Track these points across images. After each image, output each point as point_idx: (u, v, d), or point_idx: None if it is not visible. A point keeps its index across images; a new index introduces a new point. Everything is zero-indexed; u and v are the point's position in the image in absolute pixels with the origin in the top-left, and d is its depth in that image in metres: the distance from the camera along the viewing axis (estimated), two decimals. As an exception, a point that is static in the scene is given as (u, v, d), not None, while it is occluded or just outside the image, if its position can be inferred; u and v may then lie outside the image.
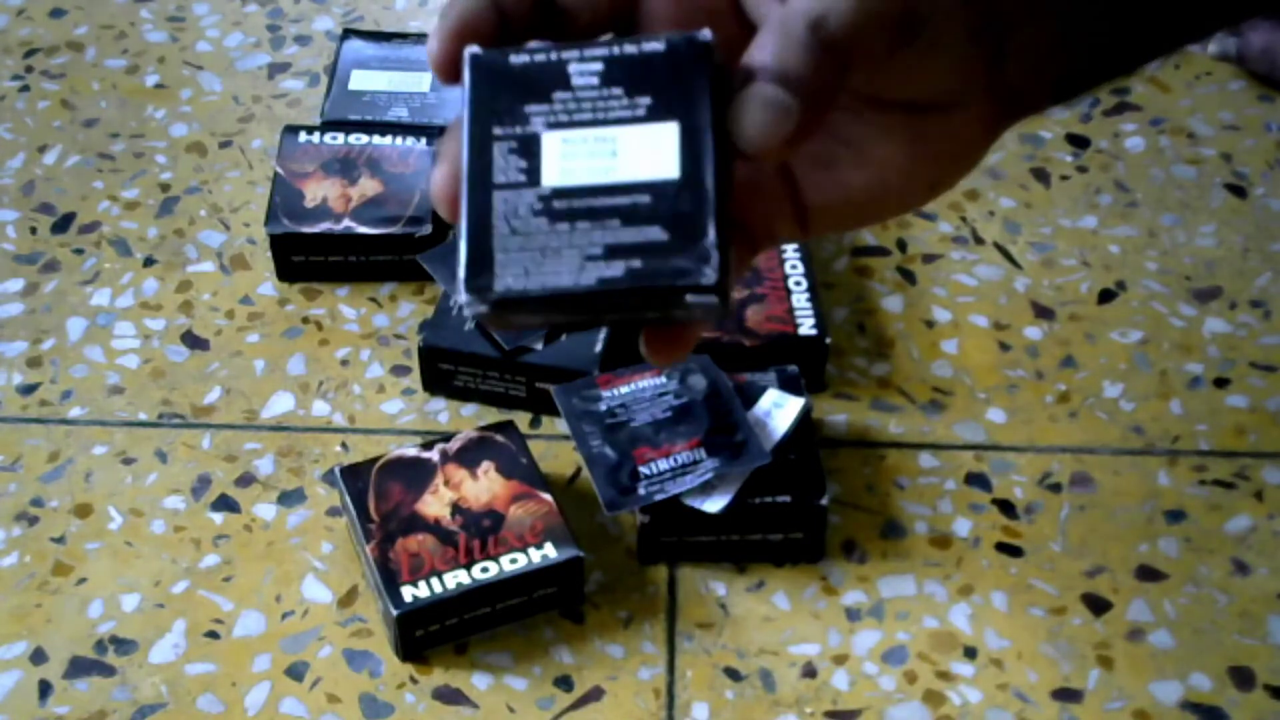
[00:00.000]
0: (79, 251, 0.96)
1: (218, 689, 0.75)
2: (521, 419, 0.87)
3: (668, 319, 0.41)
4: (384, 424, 0.87)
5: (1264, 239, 0.97)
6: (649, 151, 0.40)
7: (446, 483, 0.79)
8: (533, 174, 0.40)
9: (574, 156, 0.40)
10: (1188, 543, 0.81)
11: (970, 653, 0.76)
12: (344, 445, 0.86)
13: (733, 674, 0.76)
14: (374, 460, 0.80)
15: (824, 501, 0.78)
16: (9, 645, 0.77)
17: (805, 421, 0.81)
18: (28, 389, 0.88)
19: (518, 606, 0.76)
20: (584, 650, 0.76)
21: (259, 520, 0.82)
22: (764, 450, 0.78)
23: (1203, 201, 1.00)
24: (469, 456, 0.80)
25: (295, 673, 0.76)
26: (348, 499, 0.78)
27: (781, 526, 0.78)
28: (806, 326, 0.86)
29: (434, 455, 0.80)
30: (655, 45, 0.41)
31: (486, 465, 0.79)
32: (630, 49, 0.41)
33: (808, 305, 0.87)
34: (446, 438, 0.81)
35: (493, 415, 0.87)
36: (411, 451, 0.80)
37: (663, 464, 0.78)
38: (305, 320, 0.92)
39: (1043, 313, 0.93)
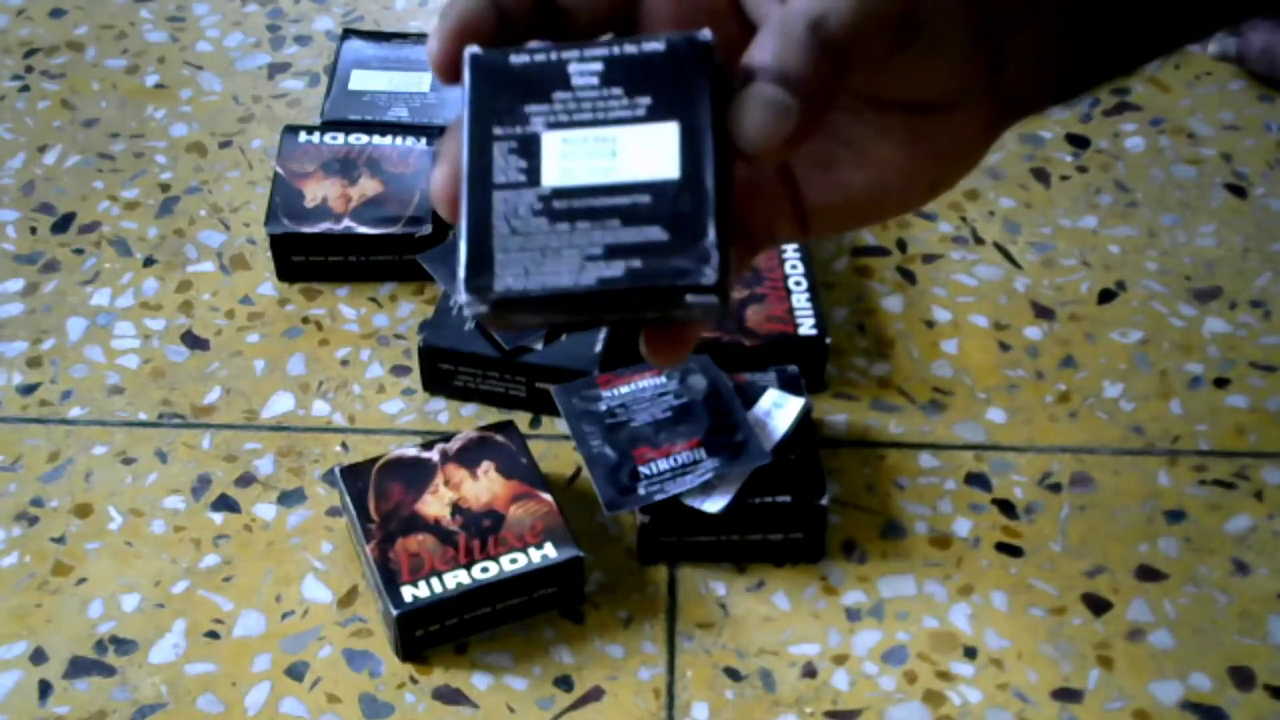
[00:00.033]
0: (79, 251, 0.96)
1: (218, 689, 0.75)
2: (521, 419, 0.87)
3: (668, 319, 0.41)
4: (384, 424, 0.87)
5: (1264, 239, 0.97)
6: (649, 151, 0.40)
7: (446, 483, 0.79)
8: (533, 174, 0.40)
9: (574, 156, 0.40)
10: (1188, 543, 0.81)
11: (970, 653, 0.76)
12: (344, 445, 0.86)
13: (733, 674, 0.76)
14: (374, 460, 0.80)
15: (824, 501, 0.78)
16: (9, 645, 0.77)
17: (805, 421, 0.81)
18: (28, 389, 0.88)
19: (518, 606, 0.76)
20: (584, 650, 0.76)
21: (259, 520, 0.82)
22: (764, 450, 0.78)
23: (1203, 201, 1.00)
24: (469, 456, 0.80)
25: (295, 673, 0.76)
26: (348, 499, 0.78)
27: (781, 526, 0.78)
28: (806, 326, 0.86)
29: (434, 455, 0.80)
30: (655, 45, 0.41)
31: (486, 465, 0.79)
32: (630, 49, 0.41)
33: (808, 305, 0.87)
34: (446, 438, 0.81)
35: (493, 415, 0.87)
36: (411, 451, 0.80)
37: (663, 464, 0.78)
38: (305, 320, 0.92)
39: (1043, 313, 0.93)
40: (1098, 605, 0.78)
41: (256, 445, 0.85)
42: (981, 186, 1.01)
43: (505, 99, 0.41)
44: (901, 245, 0.96)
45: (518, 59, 0.41)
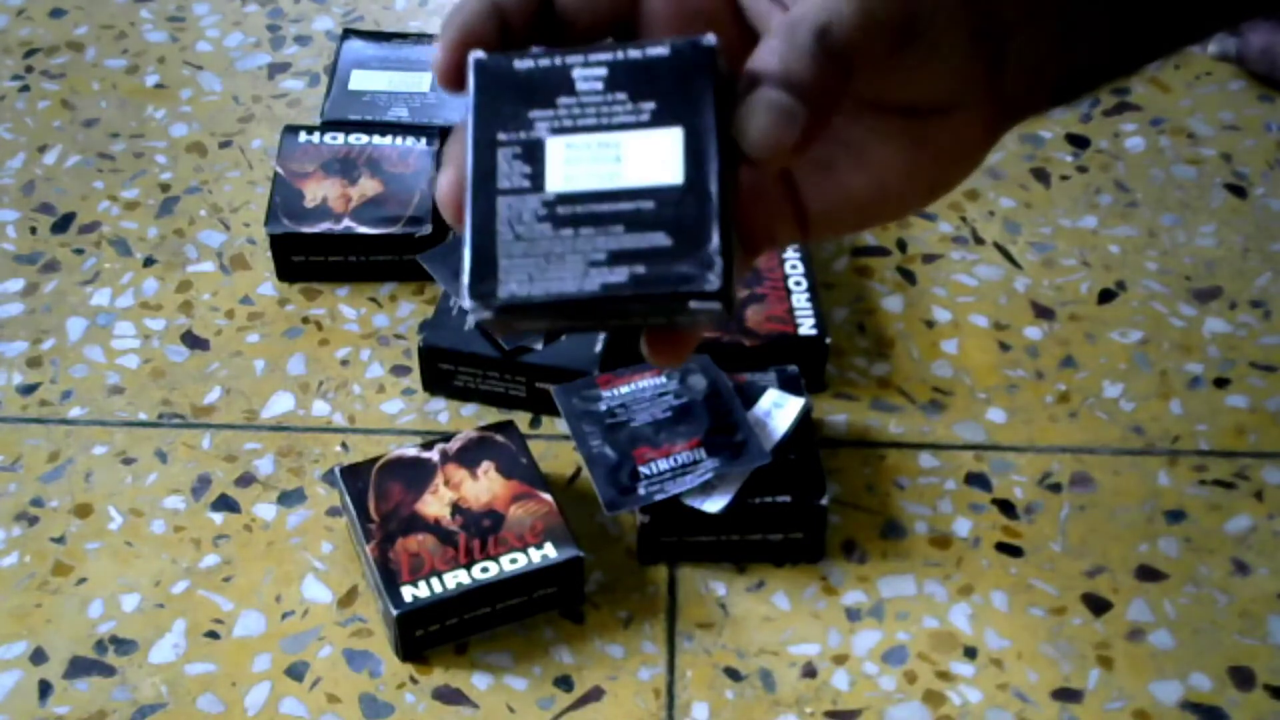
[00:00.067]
0: (79, 251, 0.96)
1: (218, 689, 0.75)
2: (521, 419, 0.87)
3: (671, 324, 0.41)
4: (384, 424, 0.87)
5: (1264, 239, 0.97)
6: (653, 157, 0.40)
7: (446, 483, 0.79)
8: (537, 179, 0.40)
9: (578, 162, 0.40)
10: (1188, 543, 0.81)
11: (970, 653, 0.76)
12: (344, 445, 0.86)
13: (733, 674, 0.76)
14: (374, 460, 0.80)
15: (824, 501, 0.78)
16: (9, 645, 0.77)
17: (805, 421, 0.81)
18: (28, 389, 0.88)
19: (518, 606, 0.76)
20: (584, 650, 0.77)
21: (259, 520, 0.82)
22: (764, 450, 0.78)
23: (1203, 201, 1.00)
24: (469, 456, 0.80)
25: (295, 673, 0.76)
26: (348, 499, 0.78)
27: (781, 526, 0.78)
28: (806, 326, 0.86)
29: (434, 455, 0.80)
30: (659, 50, 0.40)
31: (486, 465, 0.79)
32: (634, 54, 0.41)
33: (808, 305, 0.87)
34: (446, 438, 0.81)
35: (493, 415, 0.87)
36: (411, 451, 0.80)
37: (663, 464, 0.78)
38: (305, 320, 0.92)
39: (1043, 313, 0.93)
40: (1098, 605, 0.78)
41: (256, 445, 0.85)
42: (981, 186, 1.01)
43: (509, 104, 0.41)
44: (901, 245, 0.96)
45: (522, 64, 0.41)
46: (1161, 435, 0.86)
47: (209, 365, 0.90)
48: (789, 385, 0.83)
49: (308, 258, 0.93)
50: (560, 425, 0.86)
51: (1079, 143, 1.04)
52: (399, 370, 0.89)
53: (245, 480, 0.84)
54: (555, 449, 0.85)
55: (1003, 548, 0.81)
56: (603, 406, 0.81)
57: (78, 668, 0.76)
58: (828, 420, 0.87)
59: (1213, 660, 0.76)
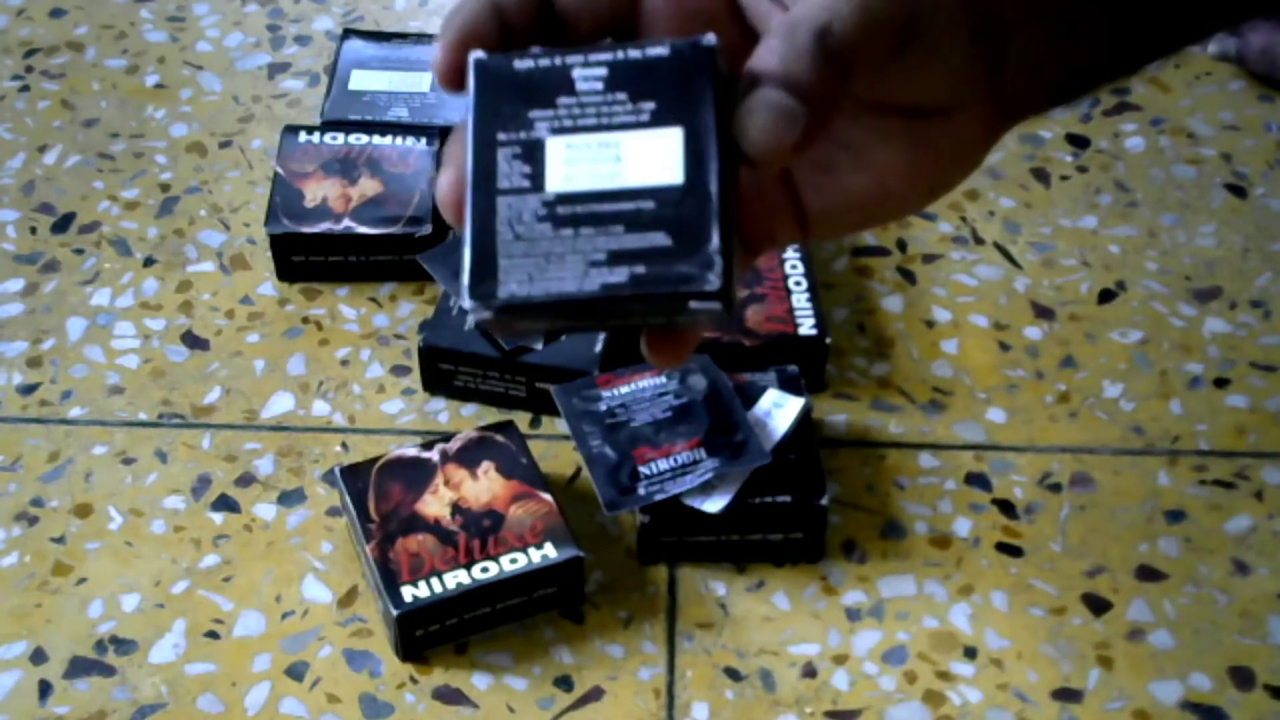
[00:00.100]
0: (79, 251, 0.96)
1: (218, 689, 0.75)
2: (521, 419, 0.87)
3: (671, 323, 0.41)
4: (384, 424, 0.87)
5: (1264, 239, 0.97)
6: (653, 157, 0.40)
7: (446, 483, 0.79)
8: (537, 179, 0.40)
9: (578, 162, 0.40)
10: (1188, 543, 0.81)
11: (970, 653, 0.76)
12: (344, 445, 0.86)
13: (733, 674, 0.76)
14: (374, 460, 0.80)
15: (824, 501, 0.78)
16: (9, 645, 0.77)
17: (805, 421, 0.81)
18: (28, 389, 0.88)
19: (518, 606, 0.76)
20: (584, 650, 0.77)
21: (259, 520, 0.82)
22: (764, 450, 0.78)
23: (1203, 201, 1.00)
24: (469, 456, 0.80)
25: (295, 673, 0.76)
26: (348, 499, 0.78)
27: (781, 526, 0.78)
28: (806, 326, 0.86)
29: (434, 455, 0.80)
30: (659, 50, 0.40)
31: (486, 465, 0.79)
32: (634, 54, 0.41)
33: (808, 305, 0.87)
34: (446, 438, 0.81)
35: (493, 415, 0.87)
36: (411, 451, 0.80)
37: (663, 464, 0.78)
38: (305, 320, 0.92)
39: (1043, 313, 0.93)
40: (1098, 605, 0.78)
41: (256, 445, 0.85)
42: (981, 186, 1.01)
43: (509, 104, 0.41)
44: (901, 245, 0.96)
45: (522, 64, 0.41)
46: (1161, 435, 0.86)
47: (209, 365, 0.90)
48: (789, 385, 0.83)
49: (308, 258, 0.93)
50: (560, 425, 0.86)
51: (1079, 143, 1.04)
52: (399, 370, 0.89)
53: (245, 480, 0.84)
54: (555, 449, 0.85)
55: (1003, 548, 0.81)
56: (603, 406, 0.81)
57: (78, 668, 0.76)
58: (828, 420, 0.87)
59: (1213, 660, 0.76)
